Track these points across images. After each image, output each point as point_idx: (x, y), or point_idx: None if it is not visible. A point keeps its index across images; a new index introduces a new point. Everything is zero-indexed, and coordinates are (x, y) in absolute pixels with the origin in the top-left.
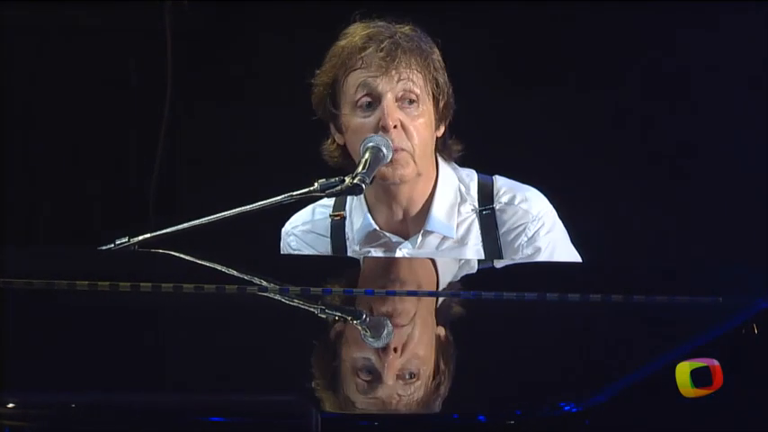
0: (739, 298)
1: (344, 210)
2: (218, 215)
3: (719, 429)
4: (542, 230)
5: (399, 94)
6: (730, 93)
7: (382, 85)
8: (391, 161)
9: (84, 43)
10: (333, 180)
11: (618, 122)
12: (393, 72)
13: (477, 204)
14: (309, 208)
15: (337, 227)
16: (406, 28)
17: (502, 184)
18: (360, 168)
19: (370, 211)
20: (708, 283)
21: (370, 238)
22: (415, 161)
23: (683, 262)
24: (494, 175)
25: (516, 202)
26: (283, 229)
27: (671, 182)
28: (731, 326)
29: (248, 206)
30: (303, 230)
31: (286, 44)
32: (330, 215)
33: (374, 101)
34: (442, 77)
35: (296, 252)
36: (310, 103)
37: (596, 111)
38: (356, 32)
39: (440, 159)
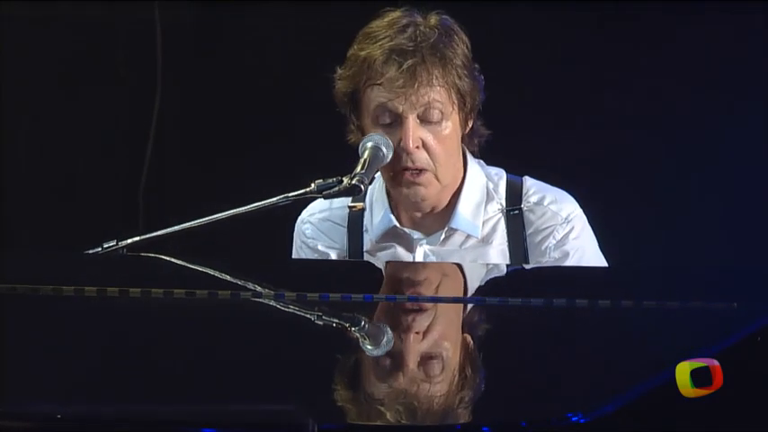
0: (755, 304)
1: (364, 201)
2: (210, 217)
3: (719, 429)
4: (571, 234)
5: (422, 114)
6: (756, 93)
7: (404, 107)
8: (413, 181)
9: (74, 38)
10: (330, 181)
11: (637, 123)
12: (413, 95)
13: (504, 204)
14: None
15: (355, 217)
16: (433, 20)
17: (531, 185)
18: (358, 168)
19: (391, 205)
20: (722, 288)
21: (390, 234)
22: (438, 178)
23: (696, 266)
24: (523, 176)
25: (545, 203)
26: (299, 217)
27: (687, 184)
28: (747, 333)
29: (242, 208)
30: (320, 218)
31: (281, 41)
32: (348, 206)
33: (394, 121)
34: (467, 82)
35: (310, 241)
36: (306, 102)
37: (614, 112)
38: (378, 38)
39: (468, 157)
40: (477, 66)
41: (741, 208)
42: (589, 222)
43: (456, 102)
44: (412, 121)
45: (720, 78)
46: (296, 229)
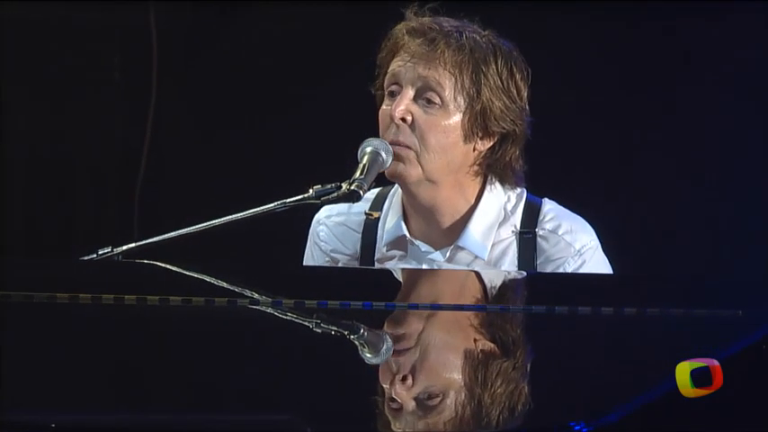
0: (760, 311)
1: (381, 209)
2: (207, 223)
3: (719, 429)
4: (583, 268)
5: (419, 90)
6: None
7: (406, 75)
8: (394, 157)
9: (69, 41)
10: (329, 186)
11: (639, 126)
12: (418, 68)
13: (518, 226)
14: None
15: (370, 225)
16: (486, 32)
17: (549, 210)
18: (357, 174)
19: (404, 215)
20: (727, 295)
21: (398, 243)
22: (420, 162)
23: (700, 273)
24: (543, 197)
25: (560, 232)
26: (316, 216)
27: (690, 191)
28: (752, 340)
29: (239, 214)
30: (336, 222)
31: (278, 43)
32: (365, 212)
33: (397, 91)
34: (492, 93)
35: (323, 244)
36: (302, 106)
37: (614, 114)
38: (420, 19)
39: (490, 177)
40: (527, 107)
41: (746, 214)
42: (592, 226)
43: (465, 102)
44: (408, 92)
45: (721, 79)
46: (311, 227)
